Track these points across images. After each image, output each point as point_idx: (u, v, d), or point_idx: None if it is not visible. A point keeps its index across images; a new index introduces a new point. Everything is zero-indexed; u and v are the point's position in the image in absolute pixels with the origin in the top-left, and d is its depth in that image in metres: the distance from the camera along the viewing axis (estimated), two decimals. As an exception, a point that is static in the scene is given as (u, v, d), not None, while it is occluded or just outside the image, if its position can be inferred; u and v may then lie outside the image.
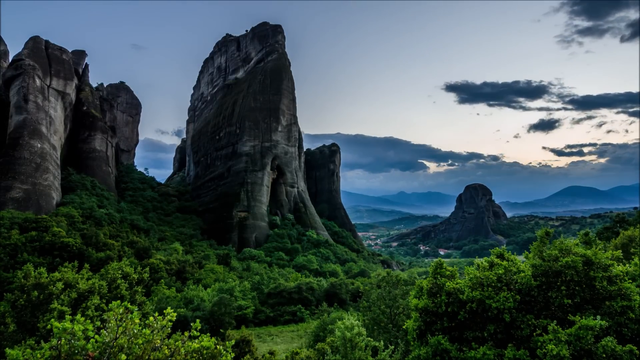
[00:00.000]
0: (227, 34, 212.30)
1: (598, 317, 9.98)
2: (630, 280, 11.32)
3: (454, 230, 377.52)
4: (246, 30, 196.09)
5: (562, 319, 10.99)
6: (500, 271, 11.87)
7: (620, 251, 12.38)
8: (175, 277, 71.40)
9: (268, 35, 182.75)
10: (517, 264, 12.45)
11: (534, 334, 10.74)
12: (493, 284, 11.67)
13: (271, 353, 32.50)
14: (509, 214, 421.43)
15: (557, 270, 11.52)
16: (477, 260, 13.40)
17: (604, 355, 9.27)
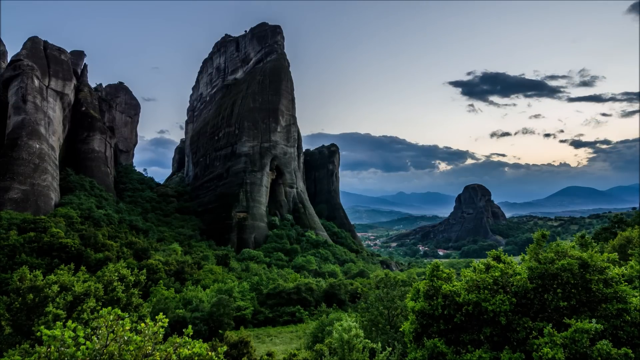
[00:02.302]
0: (226, 35, 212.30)
1: (594, 320, 9.98)
2: (626, 283, 11.32)
3: (453, 230, 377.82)
4: (245, 31, 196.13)
5: (558, 321, 10.99)
6: (496, 274, 11.86)
7: (616, 253, 12.37)
8: (174, 278, 71.25)
9: (267, 36, 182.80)
10: (513, 266, 12.45)
11: (530, 336, 10.73)
12: (489, 287, 11.66)
13: (269, 354, 32.45)
14: (507, 214, 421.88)
15: (553, 272, 11.51)
16: (474, 263, 13.40)
17: (600, 359, 9.27)
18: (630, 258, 21.61)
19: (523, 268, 12.33)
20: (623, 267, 12.11)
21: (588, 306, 11.17)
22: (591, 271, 11.29)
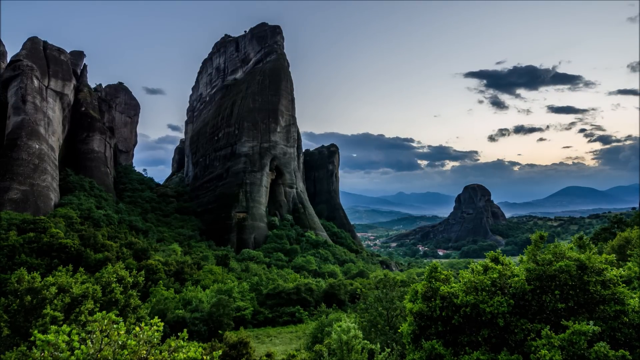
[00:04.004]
0: (225, 35, 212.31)
1: (591, 322, 9.97)
2: (624, 285, 11.31)
3: (452, 230, 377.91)
4: (245, 31, 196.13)
5: (556, 323, 10.99)
6: (494, 275, 11.85)
7: (614, 255, 12.36)
8: (174, 278, 71.21)
9: (267, 36, 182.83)
10: (511, 268, 12.44)
11: (528, 338, 10.73)
12: (487, 288, 11.65)
13: (269, 355, 32.44)
14: (507, 215, 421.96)
15: (551, 274, 11.51)
16: (472, 264, 13.39)
17: (597, 361, 9.26)
18: (629, 259, 21.64)
19: (521, 269, 12.32)
20: (621, 269, 12.11)
21: (586, 308, 11.17)
22: (589, 273, 11.28)
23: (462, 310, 11.64)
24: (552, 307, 11.13)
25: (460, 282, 12.77)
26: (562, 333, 10.02)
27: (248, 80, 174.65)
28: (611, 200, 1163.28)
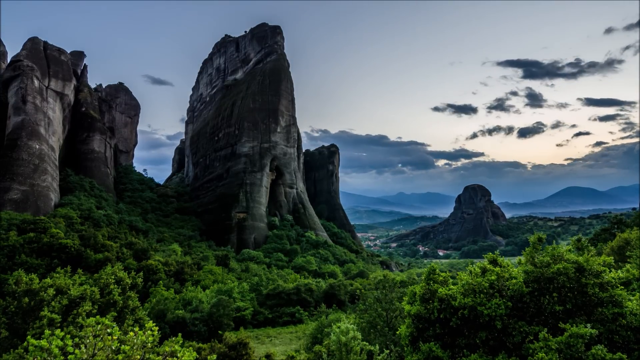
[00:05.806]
0: (225, 35, 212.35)
1: (589, 325, 9.96)
2: (622, 287, 11.29)
3: (453, 231, 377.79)
4: (245, 31, 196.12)
5: (554, 325, 10.97)
6: (492, 277, 11.84)
7: (612, 257, 12.34)
8: (174, 279, 71.22)
9: (267, 36, 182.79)
10: (509, 270, 12.42)
11: (526, 341, 10.72)
12: (485, 291, 11.64)
13: (268, 356, 32.48)
14: (507, 215, 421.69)
15: (549, 276, 11.49)
16: (470, 267, 13.38)
17: (595, 364, 9.25)
18: (628, 260, 21.60)
19: (519, 272, 12.30)
20: (619, 271, 12.09)
21: (584, 310, 11.15)
22: (587, 275, 11.26)
23: (460, 312, 11.63)
24: (550, 309, 11.11)
25: (458, 284, 12.76)
26: (559, 336, 10.01)
27: (248, 81, 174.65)
28: (611, 200, 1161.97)
